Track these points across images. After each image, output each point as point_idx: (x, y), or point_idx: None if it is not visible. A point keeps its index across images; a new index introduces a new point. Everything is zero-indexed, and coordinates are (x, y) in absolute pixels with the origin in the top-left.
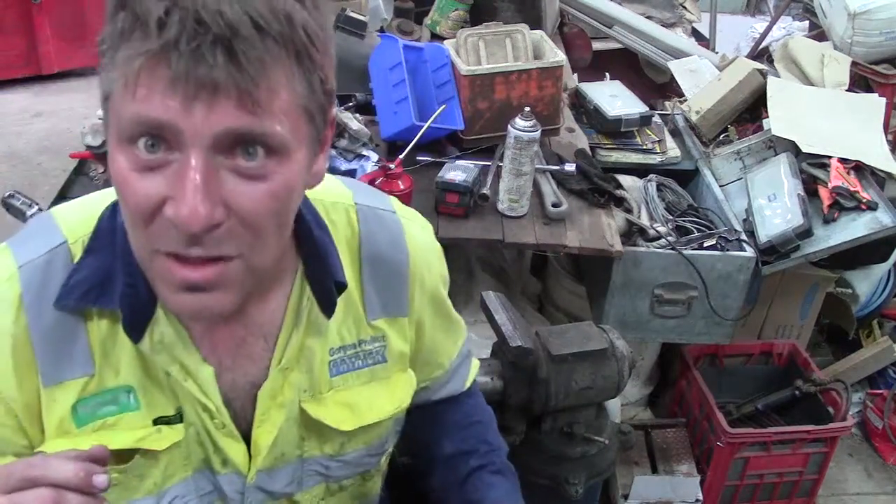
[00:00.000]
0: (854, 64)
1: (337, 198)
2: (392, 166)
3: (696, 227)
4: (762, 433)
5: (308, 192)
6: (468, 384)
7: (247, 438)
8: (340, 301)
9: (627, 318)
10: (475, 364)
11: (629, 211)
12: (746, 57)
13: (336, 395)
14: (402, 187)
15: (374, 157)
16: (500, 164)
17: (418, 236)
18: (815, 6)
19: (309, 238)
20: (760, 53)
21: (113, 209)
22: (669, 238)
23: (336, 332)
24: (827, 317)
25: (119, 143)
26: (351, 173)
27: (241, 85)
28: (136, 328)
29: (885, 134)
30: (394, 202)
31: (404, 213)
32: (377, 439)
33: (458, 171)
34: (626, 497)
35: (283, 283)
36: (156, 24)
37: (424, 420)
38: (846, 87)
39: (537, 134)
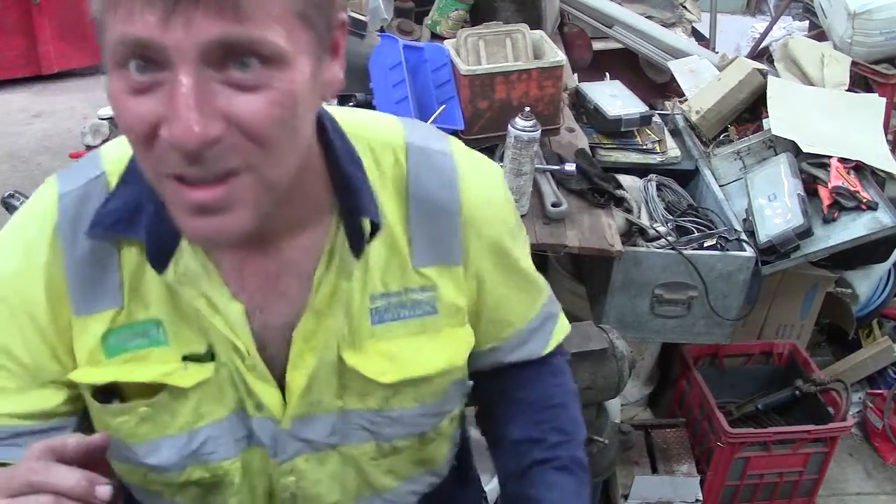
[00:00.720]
0: (854, 64)
1: (386, 136)
2: None
3: (696, 227)
4: (762, 433)
5: (353, 129)
6: (548, 349)
7: (282, 384)
8: (383, 245)
9: (627, 318)
10: (562, 328)
11: (629, 211)
12: (746, 57)
13: (378, 344)
14: None
15: None
16: (501, 163)
17: (476, 180)
18: (815, 6)
19: (339, 174)
20: (760, 53)
21: None
22: (669, 238)
23: (379, 277)
24: (827, 317)
25: (112, 68)
26: None
27: None
28: (160, 259)
29: (885, 134)
30: (453, 144)
31: (464, 155)
32: (431, 398)
33: None
34: (626, 497)
35: (320, 221)
36: None
37: (498, 395)
38: (846, 87)
39: (537, 134)
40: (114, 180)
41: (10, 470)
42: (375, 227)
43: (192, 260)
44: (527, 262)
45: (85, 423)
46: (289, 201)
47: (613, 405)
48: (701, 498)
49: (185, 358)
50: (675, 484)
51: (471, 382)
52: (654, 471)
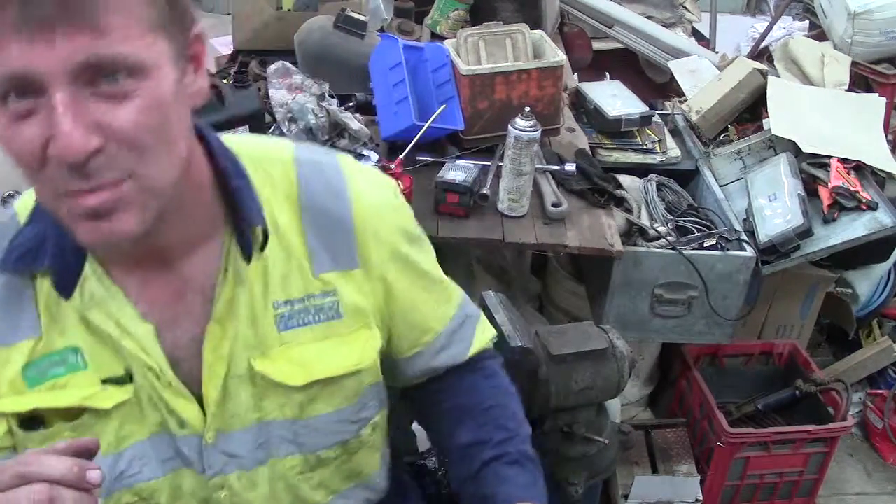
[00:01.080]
0: (854, 64)
1: (276, 153)
2: (392, 166)
3: (696, 227)
4: (762, 433)
5: (243, 149)
6: (472, 351)
7: (200, 399)
8: (280, 253)
9: (627, 318)
10: (484, 331)
11: (629, 211)
12: (746, 57)
13: (287, 351)
14: (402, 187)
15: (374, 156)
16: (500, 163)
17: (366, 189)
18: (815, 6)
19: (226, 188)
20: (760, 53)
21: None
22: (669, 238)
23: (280, 285)
24: (827, 317)
25: None
26: None
27: (74, 13)
28: (66, 285)
29: (885, 134)
30: (343, 159)
31: (353, 167)
32: (346, 403)
33: (458, 171)
34: (626, 497)
35: (214, 237)
36: None
37: (438, 405)
38: (846, 87)
39: (537, 134)
40: (23, 220)
41: (0, 465)
42: (265, 235)
43: (97, 284)
44: (431, 266)
45: None
46: (181, 217)
47: (613, 405)
48: (701, 498)
49: (105, 381)
50: (675, 484)
51: (383, 387)
52: (654, 471)
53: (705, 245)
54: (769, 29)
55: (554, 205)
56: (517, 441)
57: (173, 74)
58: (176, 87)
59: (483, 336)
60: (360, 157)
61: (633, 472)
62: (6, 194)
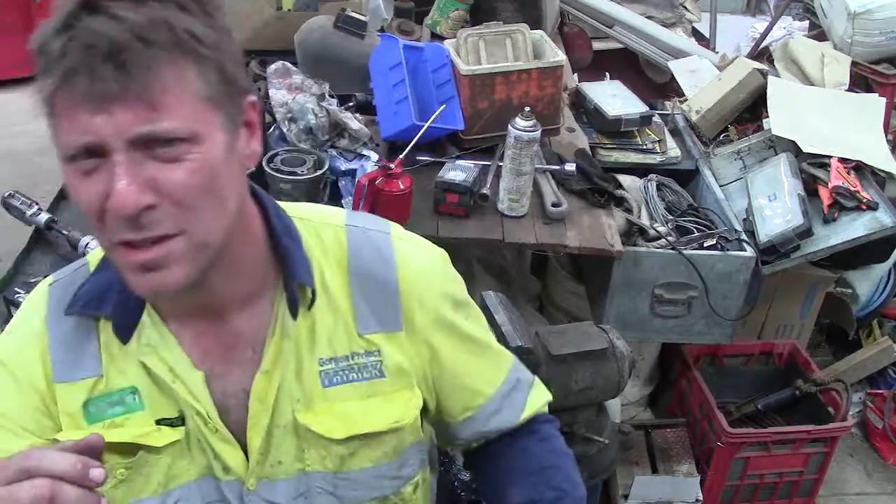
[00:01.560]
0: (854, 64)
1: (329, 219)
2: (392, 166)
3: (696, 227)
4: (762, 433)
5: (298, 213)
6: (526, 413)
7: (245, 449)
8: (328, 312)
9: (627, 318)
10: (537, 395)
11: (629, 211)
12: (746, 57)
13: (331, 406)
14: (402, 187)
15: (374, 156)
16: (500, 163)
17: (413, 255)
18: (815, 6)
19: (278, 247)
20: (760, 53)
21: None
22: (669, 238)
23: (326, 343)
24: (827, 317)
25: (65, 162)
26: (351, 173)
27: (135, 93)
28: (125, 330)
29: (885, 134)
30: (393, 227)
31: (401, 235)
32: (386, 459)
33: (458, 171)
34: (626, 497)
35: (265, 294)
36: (58, 57)
37: (492, 468)
38: (846, 87)
39: (537, 134)
40: (92, 268)
41: (5, 460)
42: (312, 294)
43: (153, 331)
44: (479, 332)
45: None
46: (235, 273)
47: (613, 405)
48: (701, 498)
49: (159, 422)
50: (675, 484)
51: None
52: (654, 471)
53: (705, 245)
54: (769, 29)
55: (554, 205)
56: (570, 501)
57: (224, 140)
58: (226, 152)
59: (536, 401)
60: (360, 157)
61: (633, 472)
62: (6, 194)
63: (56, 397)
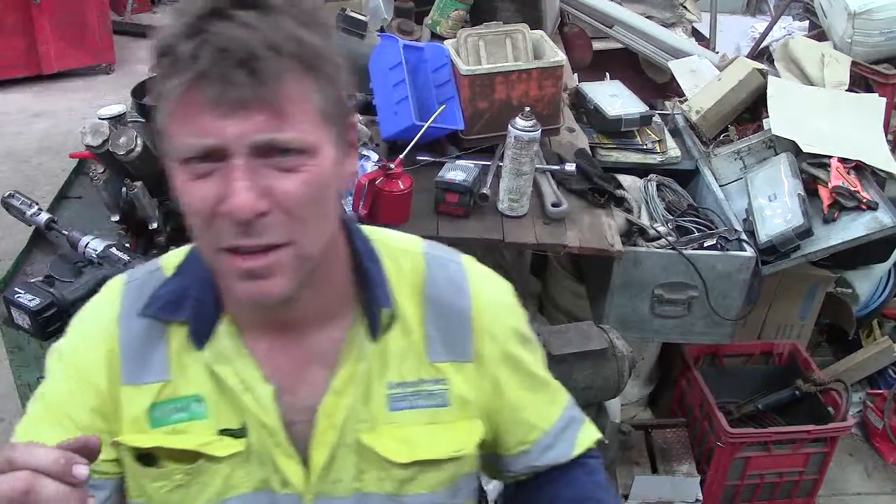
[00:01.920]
0: (854, 64)
1: (407, 246)
2: (392, 166)
3: (696, 227)
4: (762, 433)
5: (378, 237)
6: (577, 451)
7: (306, 464)
8: (401, 338)
9: (627, 318)
10: (588, 434)
11: (629, 211)
12: (746, 57)
13: (394, 429)
14: (402, 187)
15: (375, 156)
16: (500, 164)
17: (486, 288)
18: (815, 6)
19: (360, 269)
20: (760, 53)
21: None
22: (669, 238)
23: (396, 367)
24: (827, 317)
25: (177, 164)
26: None
27: (265, 98)
28: (200, 337)
29: (885, 134)
30: (466, 258)
31: (475, 267)
32: (441, 487)
33: (458, 171)
34: (626, 497)
35: (343, 315)
36: (189, 58)
37: (535, 494)
38: (846, 87)
39: (537, 134)
40: (169, 273)
41: None
42: (391, 318)
43: (228, 341)
44: (539, 368)
45: (119, 494)
46: (319, 292)
47: (613, 405)
48: (701, 498)
49: (221, 432)
50: (675, 484)
51: (477, 479)
52: (654, 471)
53: (705, 245)
54: (769, 29)
55: (554, 205)
56: None
57: (334, 156)
58: (335, 167)
59: (587, 438)
60: (360, 156)
61: (633, 472)
62: (6, 194)
63: (120, 400)
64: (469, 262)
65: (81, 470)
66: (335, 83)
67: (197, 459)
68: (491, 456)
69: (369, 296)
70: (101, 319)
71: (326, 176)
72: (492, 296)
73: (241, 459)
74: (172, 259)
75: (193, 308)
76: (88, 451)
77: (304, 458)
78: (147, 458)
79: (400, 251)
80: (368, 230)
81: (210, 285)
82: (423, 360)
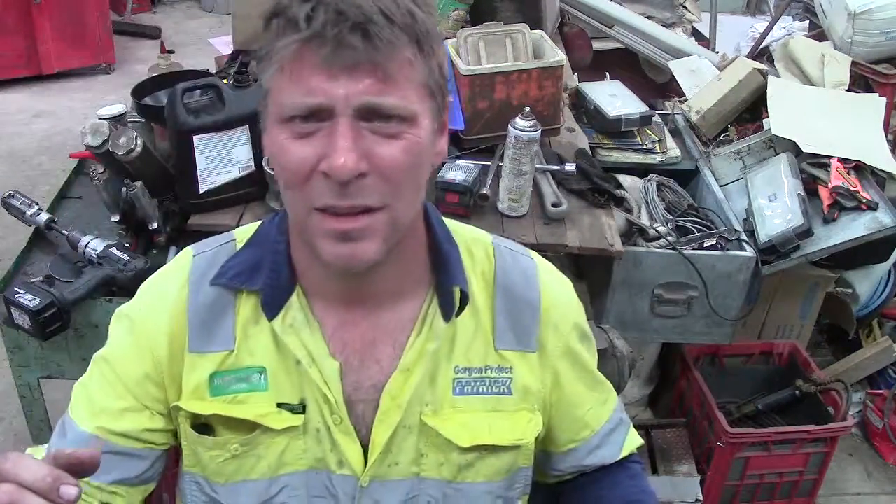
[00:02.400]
0: (854, 64)
1: (479, 236)
2: None
3: (696, 227)
4: (762, 433)
5: (452, 228)
6: (623, 453)
7: (364, 446)
8: (470, 323)
9: (627, 318)
10: (634, 436)
11: (629, 211)
12: (746, 57)
13: (457, 414)
14: None
15: None
16: (500, 163)
17: (553, 283)
18: (815, 6)
19: (438, 251)
20: (760, 53)
21: (272, 218)
22: (669, 238)
23: (464, 351)
24: (827, 317)
25: (279, 122)
26: None
27: (376, 61)
28: (273, 307)
29: (885, 134)
30: (534, 253)
31: (543, 262)
32: (498, 476)
33: (458, 171)
34: None
35: (417, 294)
36: (304, 19)
37: (579, 494)
38: (846, 87)
39: (537, 134)
40: (240, 245)
41: None
42: (465, 299)
43: (300, 313)
44: (595, 367)
45: (164, 468)
46: (397, 268)
47: None
48: (701, 498)
49: (280, 406)
50: (675, 484)
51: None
52: (654, 471)
53: (705, 245)
54: (769, 29)
55: (554, 205)
56: None
57: (431, 128)
58: (432, 139)
59: (633, 442)
60: None
61: None
62: (6, 194)
63: (183, 367)
64: (538, 258)
65: (69, 490)
66: (440, 61)
67: (253, 430)
68: (541, 454)
69: (446, 276)
70: (169, 289)
71: (424, 146)
72: (559, 291)
73: (298, 436)
74: (243, 233)
75: (268, 278)
76: (85, 467)
77: (363, 440)
78: (204, 427)
79: (472, 240)
80: (444, 221)
81: (286, 257)
82: (490, 347)
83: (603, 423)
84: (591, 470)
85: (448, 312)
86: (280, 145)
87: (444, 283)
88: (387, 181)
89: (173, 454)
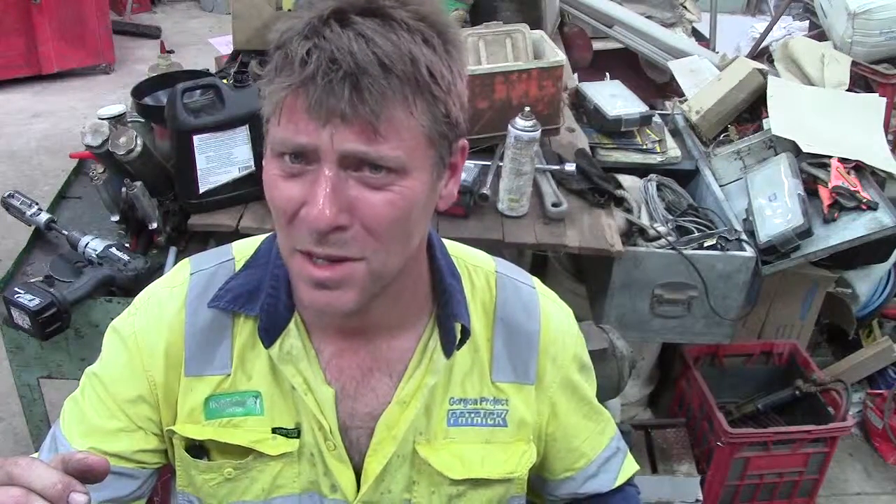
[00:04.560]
0: (854, 64)
1: (481, 263)
2: None
3: (696, 227)
4: (762, 433)
5: (455, 253)
6: (619, 481)
7: (357, 472)
8: (467, 354)
9: (627, 318)
10: (630, 464)
11: (629, 211)
12: (746, 57)
13: (450, 445)
14: None
15: None
16: (500, 163)
17: (554, 314)
18: (815, 6)
19: (441, 284)
20: (760, 53)
21: (273, 238)
22: (669, 238)
23: (460, 383)
24: (827, 317)
25: (272, 155)
26: None
27: (362, 116)
28: (270, 334)
29: (885, 134)
30: (536, 281)
31: (545, 291)
32: None
33: None
34: None
35: (416, 325)
36: (299, 62)
37: None
38: (846, 87)
39: (537, 134)
40: (239, 266)
41: (1, 459)
42: (466, 334)
43: (297, 341)
44: (593, 396)
45: (152, 483)
46: (395, 303)
47: (613, 405)
48: (701, 498)
49: (275, 430)
50: (675, 484)
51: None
52: (654, 471)
53: (705, 245)
54: (769, 29)
55: (554, 205)
56: None
57: (429, 179)
58: (428, 191)
59: (629, 470)
60: None
61: None
62: (6, 194)
63: (178, 390)
64: (540, 286)
65: (79, 498)
66: (448, 107)
67: (248, 455)
68: (536, 480)
69: (448, 311)
70: (166, 309)
71: (416, 198)
72: (559, 322)
73: (292, 459)
74: (243, 250)
75: (266, 304)
76: (95, 473)
77: (356, 466)
78: (198, 449)
79: (473, 267)
80: (446, 243)
81: (285, 282)
82: (486, 378)
83: (599, 451)
84: (586, 497)
85: (449, 348)
86: (270, 180)
87: (446, 318)
88: (370, 233)
89: (167, 469)
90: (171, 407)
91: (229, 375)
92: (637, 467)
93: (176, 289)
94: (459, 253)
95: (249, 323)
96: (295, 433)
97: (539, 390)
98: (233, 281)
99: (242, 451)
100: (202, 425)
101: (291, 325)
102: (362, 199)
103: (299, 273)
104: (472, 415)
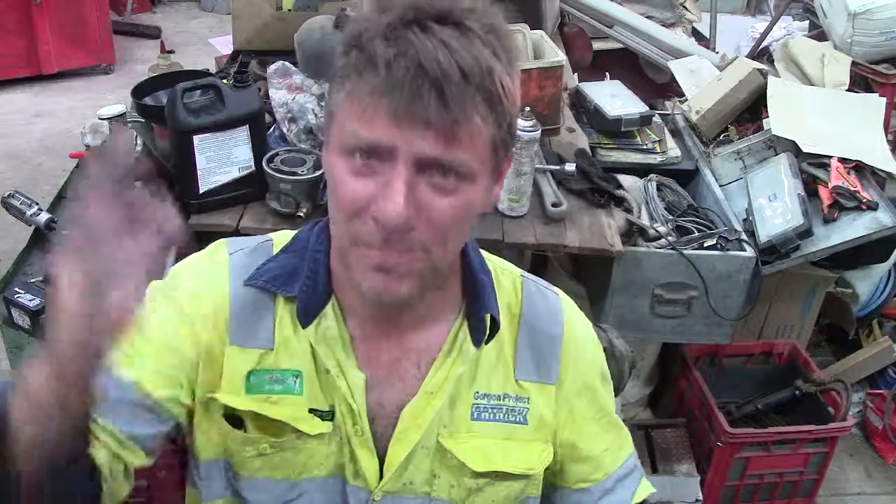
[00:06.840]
0: (854, 64)
1: (507, 267)
2: None
3: (696, 227)
4: (762, 433)
5: (483, 254)
6: (635, 500)
7: (381, 460)
8: (493, 351)
9: (627, 318)
10: (646, 487)
11: (629, 211)
12: (746, 57)
13: (472, 438)
14: None
15: None
16: None
17: (577, 321)
18: (815, 6)
19: (472, 276)
20: (760, 53)
21: (311, 227)
22: (669, 238)
23: (485, 378)
24: (827, 317)
25: (340, 152)
26: None
27: (444, 122)
28: (307, 315)
29: (885, 134)
30: (558, 290)
31: (568, 300)
32: (506, 502)
33: None
34: None
35: (446, 318)
36: (384, 65)
37: None
38: (846, 87)
39: (537, 134)
40: (277, 248)
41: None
42: (496, 326)
43: (333, 324)
44: (613, 410)
45: (174, 438)
46: (431, 296)
47: None
48: (701, 498)
49: (311, 411)
50: (675, 484)
51: None
52: (654, 471)
53: (705, 245)
54: (769, 29)
55: (554, 205)
56: None
57: (488, 184)
58: (485, 195)
59: (645, 491)
60: None
61: None
62: (6, 194)
63: (223, 358)
64: (562, 293)
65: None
66: (510, 119)
67: (285, 433)
68: (549, 487)
69: (479, 303)
70: (213, 276)
71: (476, 201)
72: (582, 329)
73: (325, 441)
74: (281, 236)
75: (304, 286)
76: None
77: (380, 455)
78: (235, 419)
79: (501, 270)
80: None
81: (325, 266)
82: (510, 376)
83: (617, 467)
84: None
85: (479, 338)
86: (337, 176)
87: (478, 309)
88: (433, 233)
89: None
90: (212, 372)
91: (272, 351)
92: (653, 489)
93: (219, 263)
94: (487, 255)
95: (290, 305)
96: (329, 415)
97: (560, 391)
98: (271, 262)
99: (278, 429)
100: (243, 397)
101: (328, 307)
102: (431, 202)
103: (360, 260)
104: (495, 410)
